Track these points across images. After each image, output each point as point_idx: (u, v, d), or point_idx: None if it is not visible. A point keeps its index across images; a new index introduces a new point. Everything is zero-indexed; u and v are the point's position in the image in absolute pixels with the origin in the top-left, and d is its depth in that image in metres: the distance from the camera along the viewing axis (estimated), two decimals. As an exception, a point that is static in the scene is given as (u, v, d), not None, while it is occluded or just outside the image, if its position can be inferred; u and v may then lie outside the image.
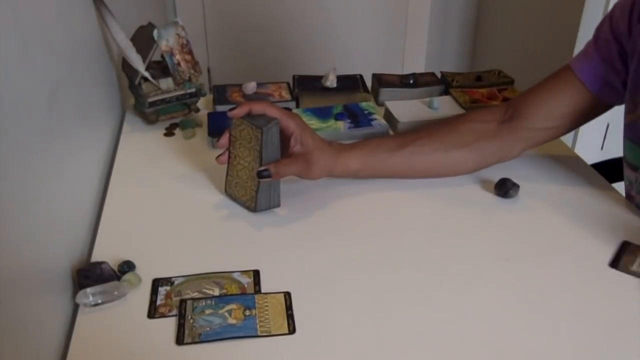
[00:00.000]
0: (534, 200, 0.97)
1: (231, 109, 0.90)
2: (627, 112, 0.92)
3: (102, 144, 1.10)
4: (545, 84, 0.99)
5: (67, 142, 0.86)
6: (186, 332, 0.70)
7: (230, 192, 0.95)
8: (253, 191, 0.91)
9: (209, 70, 2.43)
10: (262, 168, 0.87)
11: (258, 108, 0.90)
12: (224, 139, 0.92)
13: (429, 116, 1.16)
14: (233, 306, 0.74)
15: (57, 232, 0.76)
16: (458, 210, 0.95)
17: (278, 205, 0.93)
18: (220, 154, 0.94)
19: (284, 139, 0.91)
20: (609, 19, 0.93)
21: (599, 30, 0.95)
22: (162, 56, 1.18)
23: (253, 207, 0.92)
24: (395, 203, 0.96)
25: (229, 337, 0.69)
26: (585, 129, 1.98)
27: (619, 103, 0.96)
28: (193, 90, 1.21)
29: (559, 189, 1.01)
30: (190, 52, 1.19)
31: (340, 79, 1.32)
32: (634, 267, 0.81)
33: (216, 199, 0.96)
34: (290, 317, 0.72)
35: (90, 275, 0.76)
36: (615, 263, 0.82)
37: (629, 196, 0.98)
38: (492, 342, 0.70)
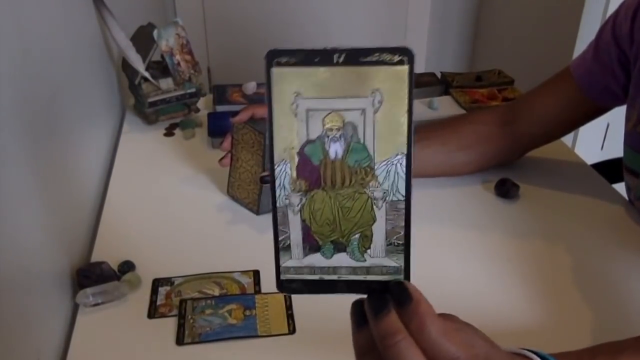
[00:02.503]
0: (533, 201, 0.97)
1: (233, 115, 0.89)
2: (628, 120, 0.91)
3: (102, 144, 1.10)
4: (544, 89, 0.98)
5: (67, 142, 0.86)
6: (186, 332, 0.70)
7: (232, 193, 0.95)
8: (255, 194, 0.90)
9: (209, 70, 2.43)
10: (264, 174, 0.87)
11: (261, 112, 0.89)
12: (227, 143, 0.92)
13: (429, 116, 1.16)
14: (233, 306, 0.74)
15: (58, 232, 0.76)
16: (458, 210, 0.95)
17: None
18: (223, 157, 0.93)
19: None
20: (613, 20, 0.90)
21: (601, 30, 0.92)
22: (162, 56, 1.18)
23: (255, 209, 0.91)
24: (395, 203, 0.96)
25: (229, 337, 0.69)
26: (585, 129, 1.97)
27: (619, 104, 0.95)
28: (193, 90, 1.21)
29: (559, 189, 1.01)
30: (190, 52, 1.19)
31: (341, 79, 1.32)
32: None
33: (216, 199, 0.96)
34: (290, 317, 0.72)
35: (90, 275, 0.76)
36: None
37: (629, 201, 0.97)
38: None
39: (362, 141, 0.39)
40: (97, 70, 1.13)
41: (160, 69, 1.19)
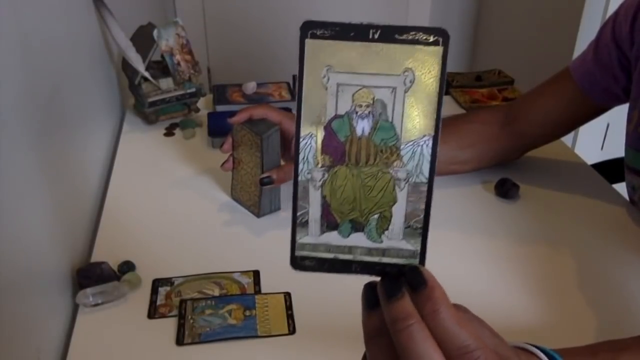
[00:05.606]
0: (533, 201, 0.97)
1: (231, 115, 0.89)
2: (629, 121, 0.90)
3: (102, 144, 1.10)
4: (544, 89, 0.98)
5: (67, 141, 0.86)
6: (186, 332, 0.70)
7: (235, 196, 0.95)
8: (256, 196, 0.90)
9: (209, 70, 2.43)
10: (263, 175, 0.87)
11: (259, 112, 0.89)
12: (227, 145, 0.92)
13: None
14: (233, 306, 0.74)
15: (58, 232, 0.76)
16: (458, 210, 0.95)
17: (279, 209, 0.93)
18: (225, 161, 0.93)
19: (286, 142, 0.90)
20: (612, 21, 0.90)
21: (601, 31, 0.92)
22: (162, 56, 1.18)
23: (257, 212, 0.91)
24: (395, 203, 0.96)
25: (229, 337, 0.69)
26: (585, 129, 1.98)
27: (621, 104, 0.95)
28: (193, 90, 1.21)
29: (559, 189, 1.01)
30: (190, 52, 1.19)
31: (341, 79, 1.32)
32: None
33: (216, 199, 0.96)
34: (290, 317, 0.72)
35: (90, 275, 0.76)
36: None
37: (632, 201, 0.97)
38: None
39: (390, 120, 0.38)
40: (97, 70, 1.13)
41: (160, 68, 1.19)
